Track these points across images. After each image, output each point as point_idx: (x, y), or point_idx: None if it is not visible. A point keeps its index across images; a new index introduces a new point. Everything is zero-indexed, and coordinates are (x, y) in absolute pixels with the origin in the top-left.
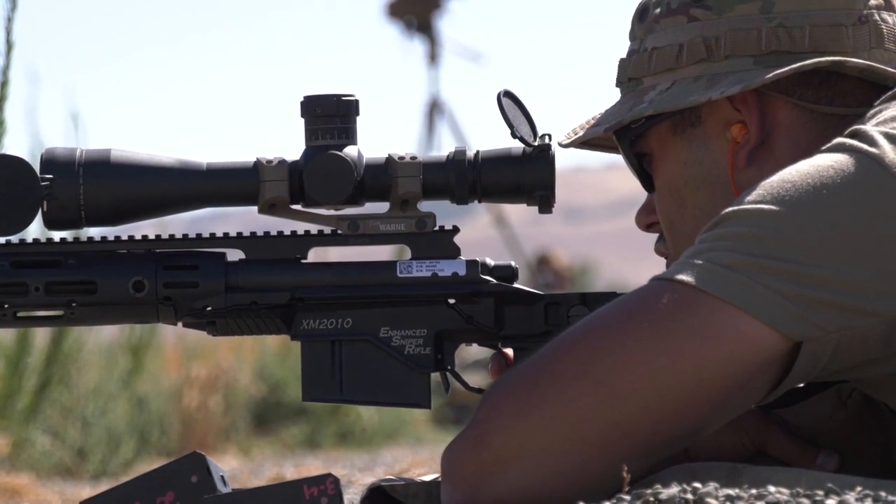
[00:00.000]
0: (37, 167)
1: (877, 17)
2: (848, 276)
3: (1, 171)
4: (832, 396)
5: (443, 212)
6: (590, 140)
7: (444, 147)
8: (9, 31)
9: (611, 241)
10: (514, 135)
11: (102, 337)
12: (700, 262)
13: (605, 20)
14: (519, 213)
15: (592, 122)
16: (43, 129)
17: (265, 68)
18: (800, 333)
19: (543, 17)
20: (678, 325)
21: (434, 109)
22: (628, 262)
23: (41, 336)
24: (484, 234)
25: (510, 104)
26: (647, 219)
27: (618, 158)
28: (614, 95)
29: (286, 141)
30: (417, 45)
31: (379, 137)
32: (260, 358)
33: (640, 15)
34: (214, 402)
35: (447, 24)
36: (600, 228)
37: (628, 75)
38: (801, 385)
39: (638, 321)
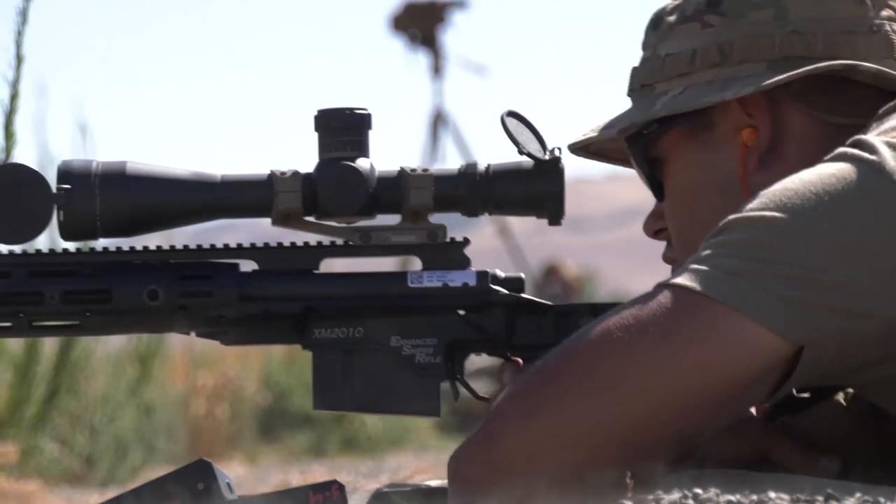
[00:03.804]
0: (47, 178)
1: (888, 28)
2: (849, 280)
3: (12, 180)
4: (836, 403)
5: (446, 221)
6: (598, 150)
7: (449, 159)
8: (18, 45)
9: (613, 251)
10: (521, 152)
11: (110, 346)
12: (703, 267)
13: (611, 33)
14: (522, 223)
15: (603, 125)
16: (51, 141)
17: (274, 81)
18: (802, 337)
19: (547, 29)
20: (682, 329)
21: (438, 121)
22: (630, 271)
23: (49, 345)
24: (488, 244)
25: (515, 123)
26: (655, 225)
27: (620, 169)
28: (621, 107)
29: (298, 153)
30: (421, 58)
31: (384, 149)
32: (266, 366)
33: (654, 24)
34: (221, 410)
35: (451, 38)
36: (602, 238)
37: (640, 82)
38: (806, 393)
39: (642, 326)
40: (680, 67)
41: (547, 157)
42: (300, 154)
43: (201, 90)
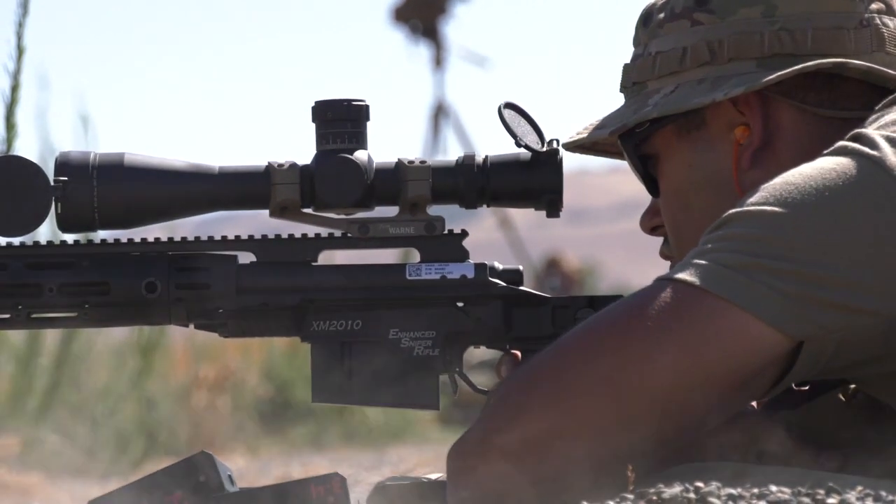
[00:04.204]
0: (48, 170)
1: (878, 21)
2: (849, 275)
3: (10, 172)
4: (836, 397)
5: (447, 213)
6: (593, 146)
7: (450, 151)
8: (20, 36)
9: (615, 243)
10: (518, 144)
11: (112, 338)
12: (703, 262)
13: (611, 25)
14: (524, 215)
15: (596, 123)
16: (53, 132)
17: (274, 72)
18: (801, 333)
19: (549, 21)
20: (681, 324)
21: (439, 113)
22: (632, 263)
23: (51, 337)
24: (489, 236)
25: (512, 115)
26: (651, 222)
27: (621, 161)
28: (620, 100)
29: (297, 145)
30: (423, 50)
31: (385, 141)
32: (267, 359)
33: (645, 20)
34: (222, 403)
35: (453, 29)
36: (604, 230)
37: (632, 80)
38: (806, 386)
39: (642, 320)
40: (671, 66)
41: (544, 149)
42: (299, 146)
43: (201, 81)
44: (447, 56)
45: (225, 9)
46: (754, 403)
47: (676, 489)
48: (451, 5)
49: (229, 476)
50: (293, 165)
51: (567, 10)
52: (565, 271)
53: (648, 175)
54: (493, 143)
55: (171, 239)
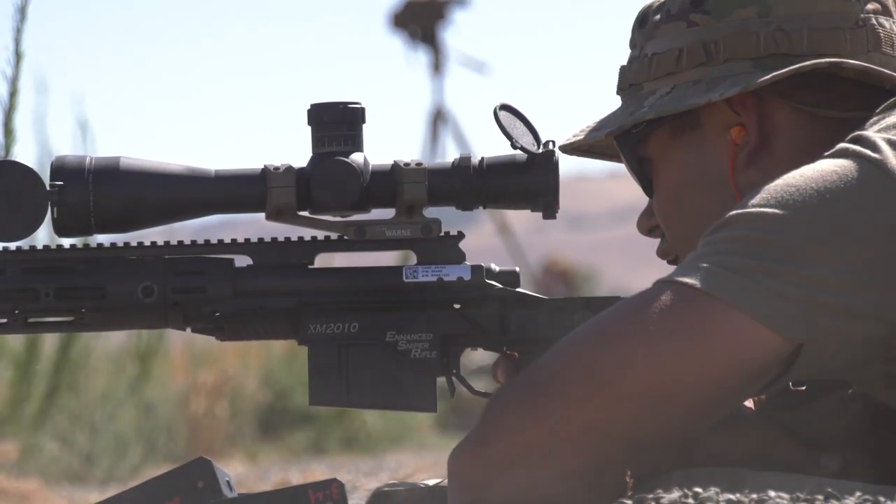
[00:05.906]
0: (45, 175)
1: (874, 22)
2: (850, 278)
3: (7, 177)
4: (836, 398)
5: (447, 218)
6: (590, 149)
7: (449, 157)
8: (17, 42)
9: (613, 248)
10: (514, 146)
11: (110, 343)
12: (704, 264)
13: (610, 29)
14: (522, 220)
15: (593, 126)
16: (51, 138)
17: (272, 77)
18: (801, 335)
19: (547, 27)
20: (682, 327)
21: (438, 119)
22: (630, 268)
23: (50, 342)
24: (488, 241)
25: (508, 117)
26: (648, 223)
27: (619, 167)
28: (618, 103)
29: (293, 148)
30: (422, 56)
31: (383, 147)
32: (266, 364)
33: (640, 22)
34: (221, 408)
35: (451, 35)
36: (602, 236)
37: (629, 81)
38: (805, 388)
39: (642, 323)
40: (666, 67)
41: (540, 151)
42: (295, 149)
43: (199, 85)
44: (446, 62)
45: (223, 14)
46: (751, 404)
47: (675, 494)
48: (450, 11)
49: (228, 482)
50: (289, 168)
51: (566, 16)
52: (561, 271)
53: (645, 176)
54: (493, 149)
55: (167, 243)
